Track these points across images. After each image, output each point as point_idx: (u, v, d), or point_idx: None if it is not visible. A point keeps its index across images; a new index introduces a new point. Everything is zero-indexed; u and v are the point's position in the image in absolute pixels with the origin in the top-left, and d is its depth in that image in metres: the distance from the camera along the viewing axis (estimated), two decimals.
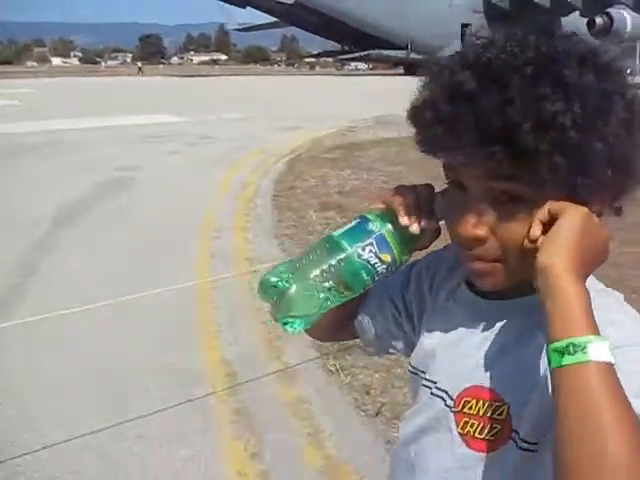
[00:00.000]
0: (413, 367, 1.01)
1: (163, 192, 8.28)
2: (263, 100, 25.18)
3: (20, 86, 35.69)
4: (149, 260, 5.70)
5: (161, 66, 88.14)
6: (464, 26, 52.81)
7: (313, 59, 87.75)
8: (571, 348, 0.68)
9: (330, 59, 75.08)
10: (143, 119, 16.61)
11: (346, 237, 0.85)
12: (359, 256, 0.84)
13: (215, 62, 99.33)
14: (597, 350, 0.68)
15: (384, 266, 0.86)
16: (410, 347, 1.06)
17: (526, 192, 0.78)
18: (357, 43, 55.77)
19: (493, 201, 0.80)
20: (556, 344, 0.69)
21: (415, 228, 0.85)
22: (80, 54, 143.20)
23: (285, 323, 0.83)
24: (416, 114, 0.82)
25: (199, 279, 5.27)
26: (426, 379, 0.97)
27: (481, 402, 0.89)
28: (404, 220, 0.85)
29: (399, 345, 1.09)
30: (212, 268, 5.53)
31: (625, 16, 52.90)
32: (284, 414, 3.42)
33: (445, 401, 0.93)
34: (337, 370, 3.84)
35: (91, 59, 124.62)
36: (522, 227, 0.79)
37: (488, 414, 0.87)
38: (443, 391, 0.94)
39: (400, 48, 53.47)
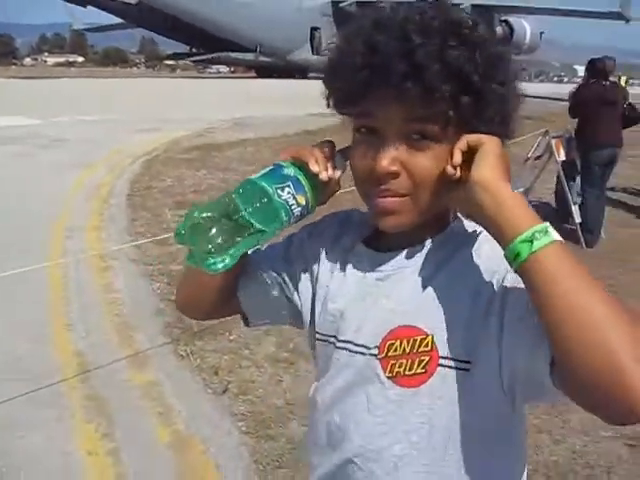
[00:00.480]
0: (323, 334, 1.05)
1: (13, 193, 8.09)
2: (122, 102, 24.69)
3: None
4: None
5: (13, 67, 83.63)
6: (313, 29, 53.51)
7: (173, 62, 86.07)
8: (537, 234, 0.78)
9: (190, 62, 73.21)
10: None
11: (265, 179, 0.90)
12: (279, 196, 0.89)
13: (71, 64, 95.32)
14: (553, 231, 0.79)
15: (299, 208, 0.92)
16: (295, 316, 1.12)
17: (435, 131, 0.89)
18: (205, 45, 54.99)
19: (406, 140, 0.89)
20: (521, 237, 0.79)
21: (324, 175, 0.93)
22: None
23: (209, 264, 0.86)
24: (340, 66, 0.93)
25: (50, 277, 5.30)
26: (341, 340, 1.01)
27: (405, 341, 0.94)
28: (315, 167, 0.92)
29: (284, 314, 1.13)
30: (65, 266, 5.55)
31: (525, 25, 54.51)
32: (135, 396, 3.60)
33: (365, 354, 0.98)
34: (187, 354, 4.06)
35: None
36: (431, 161, 0.90)
37: (414, 350, 0.93)
38: (362, 346, 0.98)
39: (249, 51, 53.02)
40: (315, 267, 1.08)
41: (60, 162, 10.36)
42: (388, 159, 0.89)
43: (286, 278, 1.10)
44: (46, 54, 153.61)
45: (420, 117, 0.88)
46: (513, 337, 0.87)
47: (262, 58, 53.49)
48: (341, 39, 0.99)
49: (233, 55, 53.69)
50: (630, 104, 7.58)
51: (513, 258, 0.80)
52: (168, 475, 2.99)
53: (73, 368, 3.87)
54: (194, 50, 59.37)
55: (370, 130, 0.92)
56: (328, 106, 0.99)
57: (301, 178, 0.92)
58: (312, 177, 0.92)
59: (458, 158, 0.87)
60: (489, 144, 0.86)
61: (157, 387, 3.68)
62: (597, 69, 7.20)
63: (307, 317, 1.09)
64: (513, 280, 0.87)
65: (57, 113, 17.90)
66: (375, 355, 0.96)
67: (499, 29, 50.56)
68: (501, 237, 0.82)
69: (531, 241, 0.78)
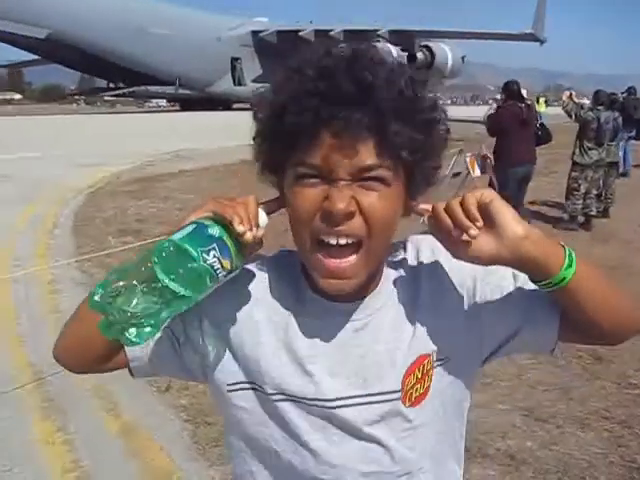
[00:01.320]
0: (289, 395, 1.01)
1: None
2: (63, 139, 24.84)
3: None
4: None
5: None
6: (234, 60, 54.19)
7: (113, 97, 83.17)
8: (572, 261, 0.92)
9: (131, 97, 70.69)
10: None
11: (189, 241, 0.83)
12: (204, 260, 0.83)
13: (8, 101, 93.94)
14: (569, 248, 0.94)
15: (224, 272, 0.87)
16: (189, 371, 1.07)
17: (388, 174, 0.90)
18: (123, 80, 52.85)
19: (359, 181, 0.89)
20: (564, 265, 0.91)
21: (249, 236, 0.87)
22: None
23: (129, 336, 0.81)
24: (295, 105, 0.88)
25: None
26: (332, 400, 1.00)
27: (416, 370, 1.01)
28: (239, 227, 0.86)
29: (174, 369, 1.08)
30: (15, 292, 5.91)
31: (446, 50, 54.24)
32: (87, 396, 4.01)
33: (384, 400, 1.01)
34: None
35: None
36: (384, 202, 0.91)
37: (424, 372, 1.02)
38: (378, 394, 1.01)
39: (168, 84, 51.20)
40: (233, 320, 1.03)
41: (5, 197, 10.61)
42: (345, 200, 0.88)
43: (181, 331, 1.05)
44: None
45: (376, 163, 0.89)
46: (494, 316, 1.04)
47: (182, 91, 52.41)
48: (282, 83, 0.94)
49: (152, 89, 52.02)
50: (542, 124, 8.31)
51: (558, 282, 0.92)
52: (118, 457, 3.42)
53: (28, 375, 4.28)
54: (111, 85, 56.50)
55: (318, 175, 0.90)
56: (260, 168, 1.00)
57: (226, 239, 0.87)
58: (236, 237, 0.87)
59: (478, 216, 0.88)
60: (496, 199, 0.90)
61: (107, 386, 4.10)
62: (512, 91, 7.90)
63: (220, 373, 1.05)
64: (484, 280, 1.04)
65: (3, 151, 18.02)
66: (397, 398, 1.01)
67: (420, 54, 51.50)
68: (547, 271, 0.92)
69: (570, 265, 0.92)
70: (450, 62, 53.93)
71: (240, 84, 52.94)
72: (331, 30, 49.27)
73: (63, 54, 48.36)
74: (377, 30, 48.06)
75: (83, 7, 44.97)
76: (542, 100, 30.30)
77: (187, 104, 54.58)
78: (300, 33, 50.35)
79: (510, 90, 7.88)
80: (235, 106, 53.05)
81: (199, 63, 50.36)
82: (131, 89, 51.68)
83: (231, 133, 24.19)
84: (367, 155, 0.88)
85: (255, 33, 53.74)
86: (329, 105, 0.86)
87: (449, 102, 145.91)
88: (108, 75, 54.29)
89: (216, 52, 51.81)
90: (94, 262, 6.69)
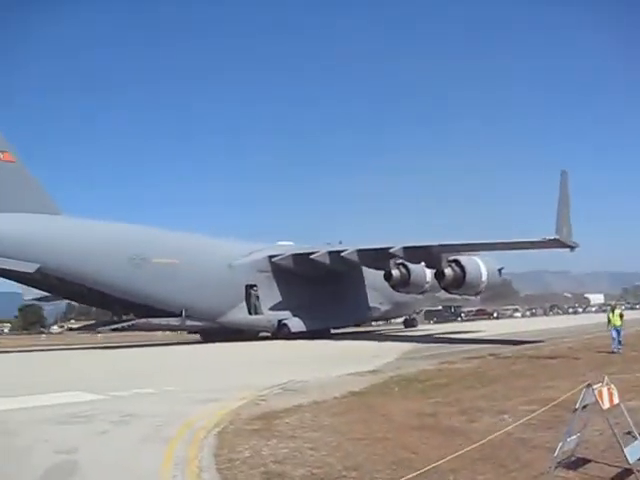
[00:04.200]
0: None
1: (111, 465, 9.00)
2: (164, 372, 26.20)
3: None
4: None
5: (43, 336, 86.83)
6: (249, 287, 50.40)
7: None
8: None
9: None
10: (50, 398, 17.03)
11: None
12: None
13: (125, 329, 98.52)
14: None
15: None
16: None
17: None
18: (125, 312, 48.24)
19: None
20: None
21: None
22: None
23: None
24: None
25: None
26: None
27: None
28: None
29: None
30: None
31: (478, 263, 49.42)
32: None
33: None
34: None
35: None
36: None
37: None
38: None
39: (172, 315, 46.76)
40: None
41: (139, 437, 11.34)
42: None
43: None
44: (72, 321, 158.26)
45: None
46: None
47: (190, 322, 48.00)
48: None
49: (155, 321, 47.31)
50: None
51: None
52: None
53: None
54: (115, 318, 49.98)
55: None
56: None
57: None
58: None
59: None
60: None
61: None
62: None
63: None
64: None
65: (110, 386, 19.13)
66: None
67: (448, 270, 47.78)
68: None
69: None
70: (484, 276, 49.30)
71: (257, 312, 50.46)
72: (344, 250, 48.98)
73: (56, 286, 45.31)
74: (389, 248, 46.49)
75: (74, 240, 43.17)
76: (617, 313, 30.41)
77: (206, 335, 51.82)
78: (313, 256, 49.67)
79: None
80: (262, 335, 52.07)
81: (208, 292, 47.59)
82: (130, 322, 47.37)
83: (319, 364, 25.29)
84: None
85: (271, 257, 51.85)
86: None
87: (528, 314, 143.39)
88: (107, 307, 50.87)
89: (227, 280, 49.00)
90: None
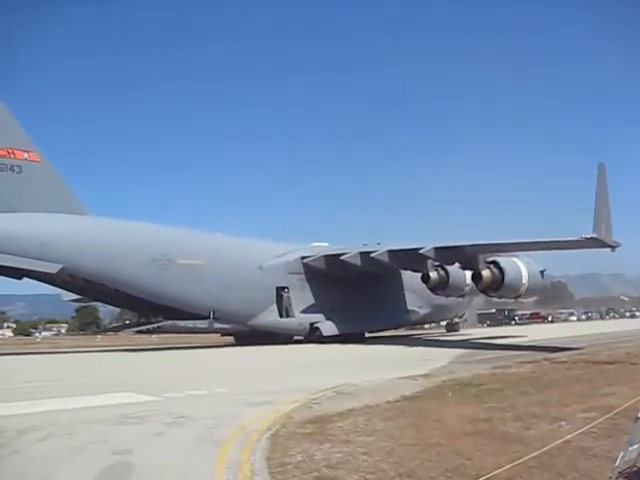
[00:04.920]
0: None
1: (168, 477, 9.08)
2: (215, 374, 26.43)
3: None
4: None
5: (99, 337, 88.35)
6: (280, 289, 49.38)
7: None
8: None
9: None
10: (105, 399, 17.33)
11: None
12: None
13: (151, 331, 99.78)
14: None
15: None
16: None
17: None
18: (153, 313, 47.38)
19: None
20: None
21: None
22: (14, 325, 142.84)
23: None
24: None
25: None
26: None
27: None
28: None
29: None
30: None
31: (518, 265, 47.63)
32: None
33: None
34: None
35: (25, 330, 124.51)
36: None
37: None
38: None
39: (200, 317, 46.12)
40: None
41: (193, 440, 11.42)
42: None
43: None
44: (127, 321, 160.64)
45: None
46: None
47: (219, 325, 47.48)
48: None
49: (181, 323, 46.24)
50: None
51: None
52: None
53: None
54: (142, 320, 49.92)
55: None
56: None
57: None
58: None
59: None
60: None
61: None
62: None
63: None
64: None
65: (163, 388, 19.34)
66: None
67: (486, 272, 45.93)
68: None
69: None
70: (525, 278, 46.92)
71: (288, 315, 49.39)
72: (375, 251, 47.21)
73: (84, 287, 45.11)
74: (420, 249, 44.61)
75: (96, 241, 42.73)
76: None
77: (240, 337, 51.31)
78: (343, 257, 48.32)
79: None
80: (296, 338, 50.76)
81: (237, 294, 46.77)
82: (157, 324, 46.57)
83: (371, 367, 25.19)
84: None
85: (303, 259, 50.81)
86: None
87: (583, 317, 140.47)
88: (135, 309, 51.04)
89: (257, 282, 48.09)
90: None
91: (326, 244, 57.31)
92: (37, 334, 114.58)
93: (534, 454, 8.92)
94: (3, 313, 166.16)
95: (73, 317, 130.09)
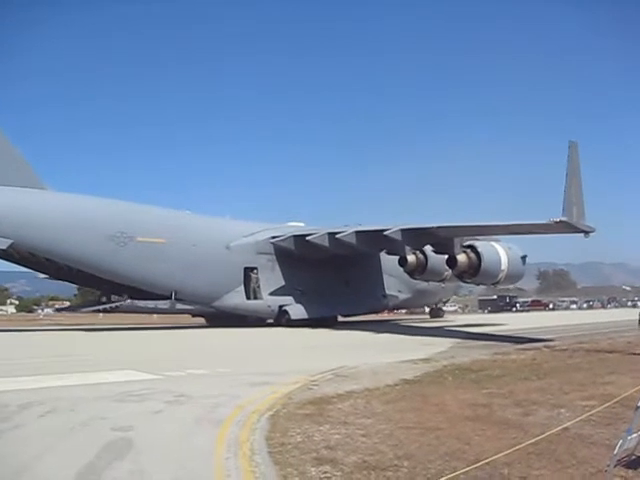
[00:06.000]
0: None
1: (167, 454, 9.11)
2: (216, 354, 26.50)
3: None
4: None
5: (100, 315, 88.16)
6: (249, 270, 47.59)
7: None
8: None
9: None
10: (105, 376, 17.40)
11: None
12: None
13: (108, 311, 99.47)
14: None
15: None
16: None
17: None
18: (111, 292, 45.56)
19: None
20: None
21: None
22: (16, 302, 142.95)
23: None
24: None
25: None
26: None
27: None
28: None
29: None
30: None
31: (497, 250, 45.95)
32: None
33: None
34: None
35: (28, 307, 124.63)
36: None
37: None
38: None
39: (160, 297, 44.39)
40: None
41: (193, 418, 11.47)
42: None
43: None
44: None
45: None
46: None
47: (180, 306, 45.48)
48: None
49: (141, 304, 44.66)
50: None
51: None
52: None
53: None
54: (103, 299, 47.12)
55: None
56: None
57: None
58: None
59: None
60: None
61: None
62: None
63: None
64: None
65: (165, 367, 19.39)
66: None
67: (462, 256, 44.18)
68: None
69: None
70: (504, 264, 45.07)
71: (256, 297, 47.51)
72: (342, 232, 43.88)
73: (33, 263, 43.20)
74: (385, 230, 41.81)
75: (50, 215, 40.63)
76: None
77: (210, 318, 50.06)
78: (309, 237, 45.68)
79: None
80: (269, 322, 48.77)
81: (202, 274, 44.86)
82: (115, 304, 44.73)
83: (368, 350, 25.21)
84: None
85: (273, 239, 48.38)
86: None
87: (585, 306, 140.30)
88: (97, 288, 48.59)
89: (223, 262, 46.12)
90: None
91: (302, 224, 54.86)
92: (40, 311, 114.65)
93: (533, 440, 8.92)
94: (6, 290, 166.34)
95: (75, 295, 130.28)
